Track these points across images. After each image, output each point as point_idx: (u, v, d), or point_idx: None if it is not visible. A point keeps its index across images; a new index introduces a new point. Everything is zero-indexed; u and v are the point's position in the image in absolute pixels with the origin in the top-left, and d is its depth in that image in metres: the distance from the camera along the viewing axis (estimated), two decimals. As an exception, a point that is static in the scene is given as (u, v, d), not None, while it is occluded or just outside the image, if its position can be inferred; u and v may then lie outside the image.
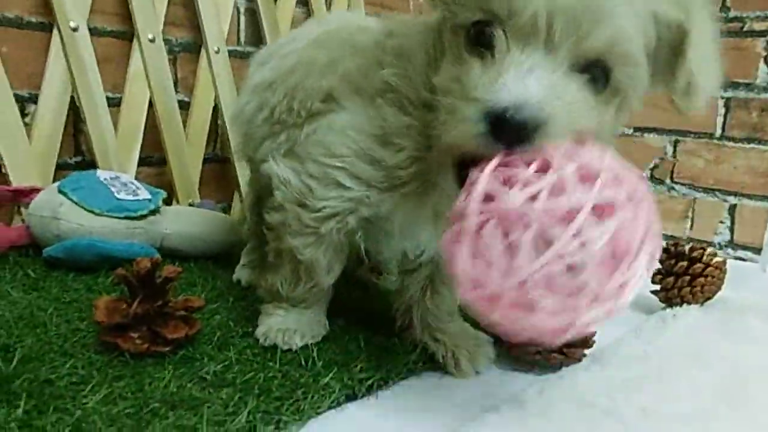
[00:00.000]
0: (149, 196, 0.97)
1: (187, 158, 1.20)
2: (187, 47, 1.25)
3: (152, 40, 1.13)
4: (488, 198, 0.45)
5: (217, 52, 1.23)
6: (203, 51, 1.24)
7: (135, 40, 1.13)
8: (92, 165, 1.16)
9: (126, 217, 0.92)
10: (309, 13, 1.46)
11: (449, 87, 0.52)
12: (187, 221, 1.00)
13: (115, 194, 0.93)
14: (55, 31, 1.03)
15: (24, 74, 1.02)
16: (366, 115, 0.62)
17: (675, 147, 1.42)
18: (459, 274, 0.46)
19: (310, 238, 0.66)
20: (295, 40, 0.80)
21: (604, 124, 0.53)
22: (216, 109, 1.28)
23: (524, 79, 0.46)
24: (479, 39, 0.50)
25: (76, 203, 0.90)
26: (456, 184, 0.52)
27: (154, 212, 0.96)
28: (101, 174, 0.97)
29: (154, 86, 1.13)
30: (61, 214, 0.89)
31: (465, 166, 0.50)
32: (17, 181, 0.98)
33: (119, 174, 0.99)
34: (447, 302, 0.74)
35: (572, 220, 0.42)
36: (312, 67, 0.69)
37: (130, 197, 0.94)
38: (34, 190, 0.97)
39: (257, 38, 1.37)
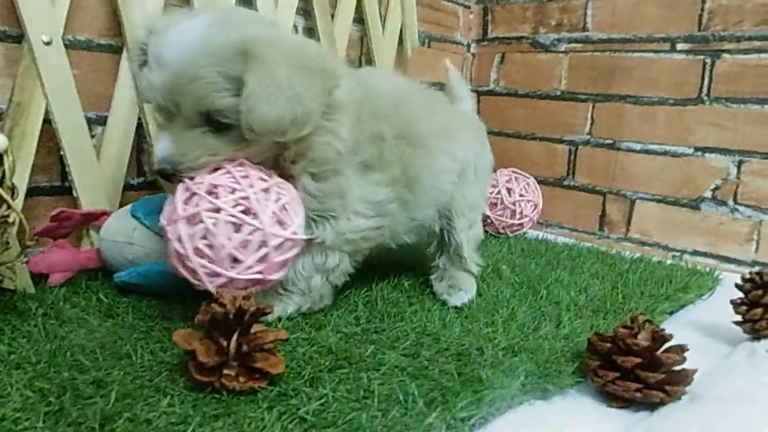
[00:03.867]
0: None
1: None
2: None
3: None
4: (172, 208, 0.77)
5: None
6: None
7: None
8: (154, 185, 1.15)
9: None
10: (365, 32, 1.45)
11: None
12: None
13: (188, 219, 0.92)
14: (124, 54, 1.02)
15: (92, 96, 1.01)
16: None
17: (739, 168, 1.38)
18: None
19: None
20: None
21: (242, 148, 0.78)
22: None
23: (162, 144, 0.77)
24: None
25: (149, 228, 0.89)
26: None
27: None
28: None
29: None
30: (135, 239, 0.88)
31: None
32: (86, 204, 0.97)
33: (190, 197, 0.98)
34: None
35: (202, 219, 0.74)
36: None
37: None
38: (104, 214, 0.96)
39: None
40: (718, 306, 1.02)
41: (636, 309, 0.99)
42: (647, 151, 1.51)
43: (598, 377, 0.72)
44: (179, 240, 0.74)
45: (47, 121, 0.94)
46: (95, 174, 0.98)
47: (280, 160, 0.82)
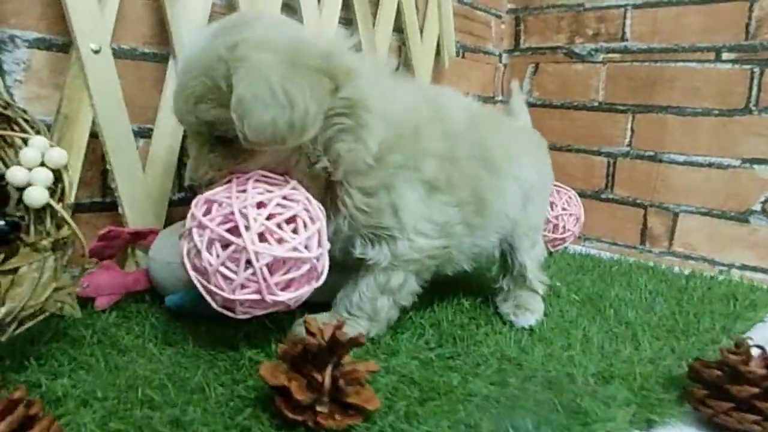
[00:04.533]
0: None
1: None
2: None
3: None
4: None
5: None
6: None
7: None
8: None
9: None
10: (403, 41, 1.41)
11: None
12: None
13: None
14: (170, 63, 0.97)
15: (136, 107, 0.96)
16: None
17: (790, 180, 1.34)
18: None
19: None
20: None
21: (253, 159, 0.73)
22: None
23: (190, 163, 0.77)
24: None
25: (206, 247, 0.83)
26: None
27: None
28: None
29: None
30: (191, 260, 0.82)
31: None
32: (133, 221, 0.91)
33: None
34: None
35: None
36: None
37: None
38: (152, 232, 0.91)
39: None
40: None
41: (711, 329, 0.94)
42: (691, 163, 1.47)
43: (706, 407, 0.67)
44: (182, 256, 0.72)
45: (92, 134, 0.88)
46: (142, 189, 0.93)
47: (315, 170, 0.76)
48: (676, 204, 1.50)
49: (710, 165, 1.45)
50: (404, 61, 1.44)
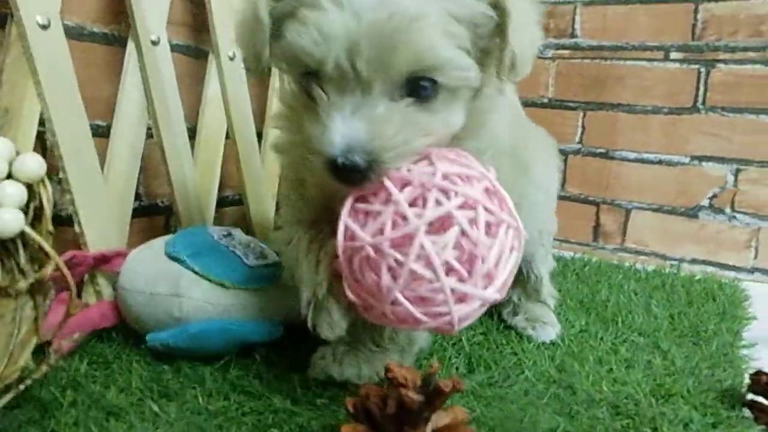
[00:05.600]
0: (277, 258, 0.76)
1: (264, 196, 0.99)
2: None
3: (232, 58, 0.91)
4: (349, 233, 0.52)
5: (290, 73, 1.03)
6: (274, 71, 1.04)
7: (212, 58, 0.91)
8: (152, 212, 0.92)
9: (259, 288, 0.71)
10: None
11: (302, 139, 0.55)
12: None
13: (244, 260, 0.72)
14: (129, 46, 0.79)
15: (84, 100, 0.77)
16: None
17: (736, 176, 1.40)
18: (352, 300, 0.54)
19: None
20: None
21: (451, 123, 0.55)
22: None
23: (347, 124, 0.50)
24: (308, 91, 0.53)
25: (200, 275, 0.68)
26: None
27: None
28: (213, 232, 0.75)
29: (233, 113, 0.92)
30: (183, 290, 0.67)
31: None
32: (93, 241, 0.73)
33: (231, 230, 0.78)
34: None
35: (411, 242, 0.48)
36: None
37: (260, 262, 0.73)
38: (119, 255, 0.73)
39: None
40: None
41: (719, 332, 0.93)
42: (642, 160, 1.50)
43: (785, 424, 0.64)
44: (421, 259, 0.49)
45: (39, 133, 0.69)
46: (103, 201, 0.75)
47: None
48: (628, 201, 1.52)
49: (660, 162, 1.48)
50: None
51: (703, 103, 1.42)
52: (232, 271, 0.70)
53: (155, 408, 0.59)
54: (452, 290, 0.49)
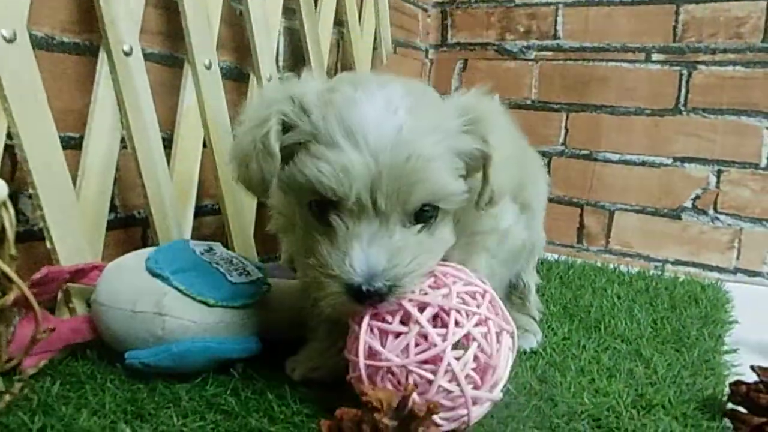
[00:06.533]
0: (260, 274, 0.75)
1: (243, 206, 0.98)
2: (230, 74, 1.03)
3: (208, 67, 0.90)
4: (371, 351, 0.56)
5: (269, 80, 1.02)
6: (252, 78, 1.02)
7: (188, 67, 0.89)
8: (130, 222, 0.91)
9: (242, 306, 0.70)
10: (341, 35, 1.28)
11: (310, 261, 0.58)
12: (289, 302, 0.79)
13: (228, 276, 0.71)
14: (101, 56, 0.77)
15: (53, 111, 0.75)
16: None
17: (719, 177, 1.40)
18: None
19: None
20: None
21: (448, 240, 0.63)
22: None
23: (367, 252, 0.55)
24: (320, 217, 0.57)
25: (183, 292, 0.67)
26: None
27: (265, 294, 0.74)
28: (195, 246, 0.74)
29: (210, 123, 0.90)
30: (167, 309, 0.66)
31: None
32: (66, 256, 0.72)
33: (212, 245, 0.76)
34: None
35: (439, 362, 0.55)
36: None
37: (244, 278, 0.72)
38: (95, 268, 0.72)
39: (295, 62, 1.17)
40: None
41: (701, 337, 0.93)
42: (625, 162, 1.50)
43: (766, 434, 0.64)
44: (447, 375, 0.55)
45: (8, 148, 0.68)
46: (75, 215, 0.73)
47: None
48: (612, 202, 1.52)
49: (644, 164, 1.48)
50: (342, 57, 1.32)
51: (685, 104, 1.43)
52: (215, 289, 0.69)
53: (128, 431, 0.57)
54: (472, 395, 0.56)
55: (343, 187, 0.53)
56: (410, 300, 0.57)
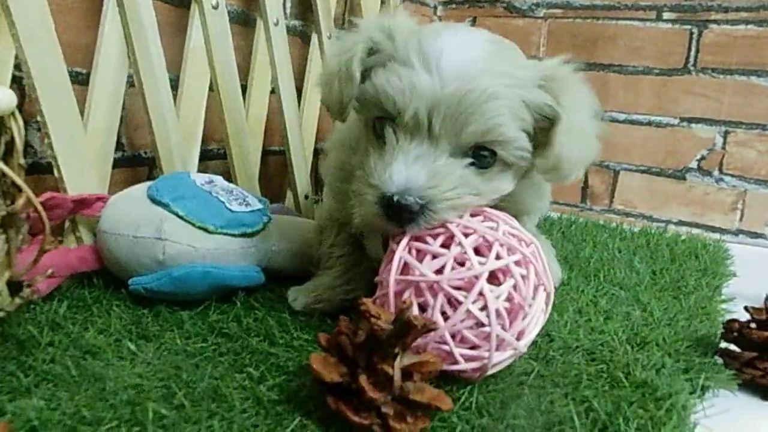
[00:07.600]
0: (260, 206, 0.76)
1: (248, 150, 0.99)
2: (238, 18, 1.03)
3: (215, 7, 0.90)
4: (404, 269, 0.56)
5: (276, 25, 1.02)
6: (259, 23, 1.02)
7: (195, 7, 0.89)
8: (136, 161, 0.92)
9: (242, 234, 0.72)
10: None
11: (358, 173, 0.60)
12: (291, 234, 0.80)
13: (228, 205, 0.72)
14: (108, -11, 0.77)
15: (67, 44, 0.75)
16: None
17: (725, 138, 1.40)
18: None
19: None
20: None
21: (501, 189, 0.62)
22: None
23: (409, 168, 0.55)
24: (379, 133, 0.59)
25: (183, 218, 0.68)
26: (382, 250, 0.63)
27: (266, 225, 0.75)
28: (196, 177, 0.75)
29: (216, 64, 0.91)
30: (167, 234, 0.67)
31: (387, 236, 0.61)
32: (73, 185, 0.73)
33: (213, 177, 0.78)
34: None
35: (473, 287, 0.53)
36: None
37: (243, 208, 0.73)
38: (99, 199, 0.73)
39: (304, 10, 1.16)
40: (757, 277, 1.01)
41: (699, 287, 0.94)
42: (631, 122, 1.49)
43: (755, 369, 0.65)
44: (478, 302, 0.54)
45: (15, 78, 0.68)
46: (82, 146, 0.74)
47: None
48: (617, 162, 1.52)
49: (650, 123, 1.47)
50: (350, 9, 1.31)
51: (694, 64, 1.41)
52: (215, 216, 0.70)
53: (133, 347, 0.59)
54: (496, 335, 0.53)
55: (404, 100, 0.55)
56: (456, 224, 0.56)
